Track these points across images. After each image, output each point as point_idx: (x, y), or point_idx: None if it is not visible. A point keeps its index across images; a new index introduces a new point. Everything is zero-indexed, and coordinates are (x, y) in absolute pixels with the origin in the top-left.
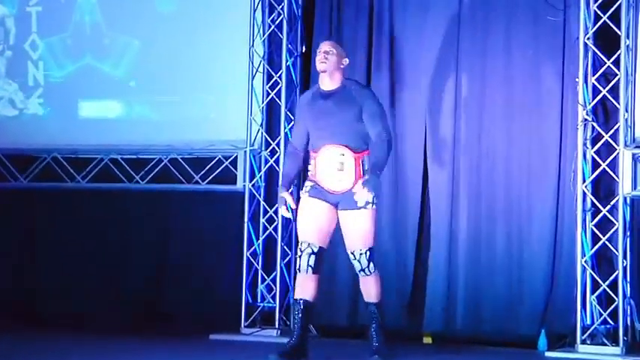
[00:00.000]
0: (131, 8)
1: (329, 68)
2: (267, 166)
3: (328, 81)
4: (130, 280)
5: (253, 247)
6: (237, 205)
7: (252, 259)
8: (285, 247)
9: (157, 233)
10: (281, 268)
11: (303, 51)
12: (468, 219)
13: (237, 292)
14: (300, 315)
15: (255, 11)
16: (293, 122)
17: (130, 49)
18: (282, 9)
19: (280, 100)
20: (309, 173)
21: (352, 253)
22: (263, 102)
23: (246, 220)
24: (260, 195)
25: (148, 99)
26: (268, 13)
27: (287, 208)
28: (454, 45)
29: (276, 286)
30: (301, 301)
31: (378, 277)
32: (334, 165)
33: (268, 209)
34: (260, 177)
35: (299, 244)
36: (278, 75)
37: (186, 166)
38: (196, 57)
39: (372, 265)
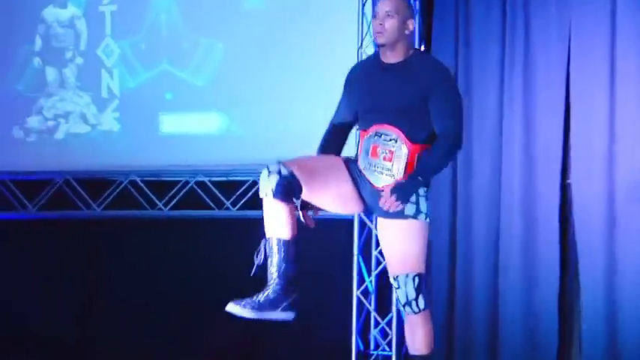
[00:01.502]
0: (213, 6)
1: (389, 39)
2: None
3: (389, 53)
4: (221, 323)
5: (364, 285)
6: (344, 235)
7: (363, 299)
8: None
9: (249, 268)
10: (398, 309)
11: (422, 49)
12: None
13: (345, 338)
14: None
15: (364, 5)
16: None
17: (212, 54)
18: None
19: None
20: (353, 158)
21: (395, 279)
22: None
23: (355, 251)
24: (372, 222)
25: (235, 111)
26: None
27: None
28: (606, 39)
29: (392, 331)
30: (272, 240)
31: (429, 319)
32: (382, 152)
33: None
34: None
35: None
36: None
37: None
38: (292, 61)
39: (421, 299)
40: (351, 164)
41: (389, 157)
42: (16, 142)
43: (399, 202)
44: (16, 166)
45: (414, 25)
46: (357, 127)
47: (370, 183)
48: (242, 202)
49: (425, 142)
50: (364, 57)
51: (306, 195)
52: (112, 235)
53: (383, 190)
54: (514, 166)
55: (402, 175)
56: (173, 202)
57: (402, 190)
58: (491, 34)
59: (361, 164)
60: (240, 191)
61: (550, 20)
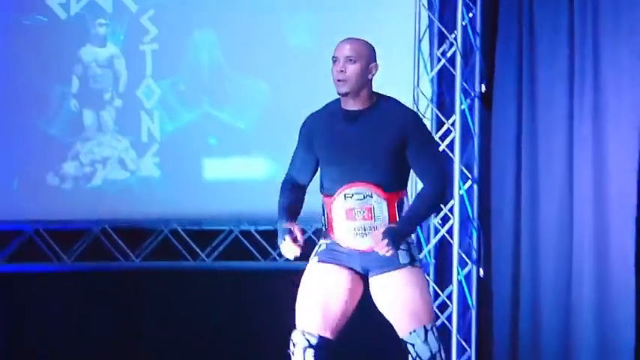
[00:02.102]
0: (256, 44)
1: (352, 87)
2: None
3: (353, 102)
4: None
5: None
6: None
7: None
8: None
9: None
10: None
11: (483, 91)
12: None
13: None
14: None
15: (420, 42)
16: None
17: (257, 95)
18: (455, 38)
19: (453, 154)
20: (322, 230)
21: (410, 334)
22: None
23: None
24: None
25: (283, 155)
26: (437, 44)
27: (294, 240)
28: None
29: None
30: None
31: None
32: (358, 212)
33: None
34: None
35: (292, 333)
36: (450, 122)
37: None
38: None
39: (442, 348)
40: (325, 257)
41: (368, 215)
42: (51, 190)
43: (390, 246)
44: (51, 214)
45: (377, 68)
46: (321, 190)
47: (357, 250)
48: None
49: (401, 188)
50: (420, 97)
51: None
52: (152, 287)
53: (372, 243)
54: (585, 204)
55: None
56: (216, 253)
57: (393, 234)
58: (557, 74)
59: (337, 234)
60: None
61: (621, 63)
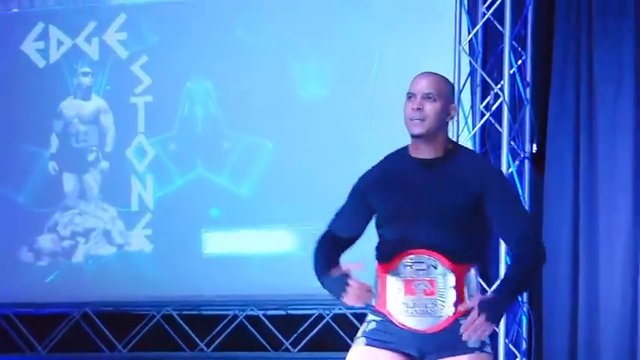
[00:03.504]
0: (261, 94)
1: (429, 128)
2: None
3: (425, 147)
4: None
5: None
6: None
7: None
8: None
9: None
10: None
11: (534, 151)
12: None
13: None
14: None
15: (460, 93)
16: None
17: (259, 155)
18: (501, 89)
19: None
20: (372, 303)
21: None
22: None
23: None
24: None
25: (291, 227)
26: (481, 97)
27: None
28: None
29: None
30: None
31: None
32: (418, 285)
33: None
34: None
35: None
36: None
37: (357, 322)
38: (365, 166)
39: None
40: (375, 338)
41: (430, 290)
42: (24, 267)
43: (487, 325)
44: (23, 297)
45: (456, 110)
46: (376, 257)
47: (413, 329)
48: (304, 341)
49: (472, 260)
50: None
51: None
52: None
53: (449, 329)
54: None
55: (453, 311)
56: (218, 342)
57: (493, 307)
58: (620, 130)
59: (391, 309)
60: (303, 328)
61: None
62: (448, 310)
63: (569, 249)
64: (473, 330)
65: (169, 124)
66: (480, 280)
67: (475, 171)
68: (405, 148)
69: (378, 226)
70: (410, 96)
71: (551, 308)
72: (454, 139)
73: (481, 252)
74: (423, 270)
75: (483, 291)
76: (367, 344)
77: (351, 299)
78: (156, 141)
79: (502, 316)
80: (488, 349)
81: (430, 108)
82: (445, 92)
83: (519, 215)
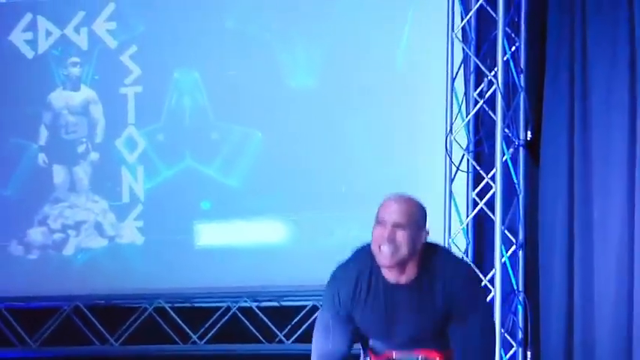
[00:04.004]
0: (250, 84)
1: (399, 259)
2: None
3: (396, 275)
4: None
5: None
6: None
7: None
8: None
9: None
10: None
11: (529, 138)
12: None
13: None
14: None
15: (454, 80)
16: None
17: (248, 145)
18: (495, 76)
19: (493, 214)
20: None
21: None
22: (467, 216)
23: None
24: None
25: (283, 218)
26: (474, 84)
27: None
28: None
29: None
30: None
31: None
32: None
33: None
34: None
35: None
36: (490, 176)
37: None
38: (356, 153)
39: None
40: None
41: None
42: (14, 261)
43: None
44: (13, 290)
45: (428, 234)
46: (363, 348)
47: None
48: (298, 332)
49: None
50: (453, 146)
51: None
52: None
53: None
54: None
55: None
56: (211, 334)
57: None
58: (616, 118)
59: None
60: (297, 320)
61: None
62: None
63: (565, 236)
64: None
65: (158, 115)
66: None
67: (442, 285)
68: (376, 265)
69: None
70: (380, 222)
71: (547, 297)
72: (447, 128)
73: None
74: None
75: None
76: None
77: None
78: (145, 132)
79: None
80: None
81: (401, 236)
82: (416, 219)
83: (470, 329)
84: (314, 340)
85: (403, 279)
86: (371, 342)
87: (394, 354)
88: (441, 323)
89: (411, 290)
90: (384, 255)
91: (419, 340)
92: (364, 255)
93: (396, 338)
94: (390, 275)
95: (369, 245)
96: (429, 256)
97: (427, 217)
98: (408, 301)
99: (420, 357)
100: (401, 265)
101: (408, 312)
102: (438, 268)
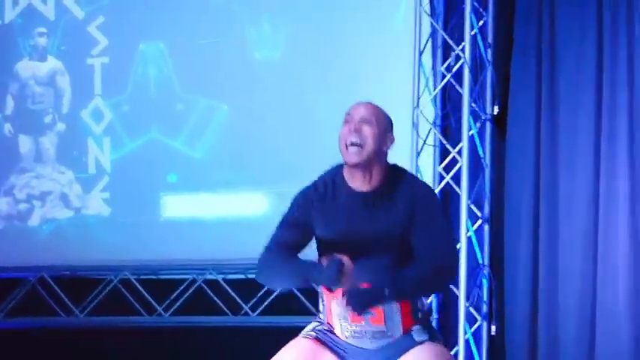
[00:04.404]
0: (215, 56)
1: (367, 155)
2: None
3: (361, 177)
4: None
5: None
6: None
7: None
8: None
9: None
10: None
11: (495, 113)
12: None
13: None
14: None
15: (421, 54)
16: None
17: (215, 118)
18: (462, 50)
19: (460, 188)
20: (319, 317)
21: None
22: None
23: None
24: None
25: (248, 190)
26: (442, 58)
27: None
28: None
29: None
30: None
31: None
32: (365, 314)
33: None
34: None
35: None
36: (457, 150)
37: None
38: (321, 128)
39: None
40: (324, 337)
41: (377, 318)
42: None
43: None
44: None
45: (393, 141)
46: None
47: (361, 348)
48: (264, 305)
49: None
50: (420, 120)
51: None
52: (99, 348)
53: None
54: (613, 246)
55: (401, 332)
56: (176, 306)
57: (357, 296)
58: (584, 92)
59: (339, 332)
60: (262, 292)
61: None
62: (396, 332)
63: (530, 211)
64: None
65: (124, 86)
66: None
67: (406, 199)
68: (341, 175)
69: (319, 254)
70: (347, 120)
71: (512, 271)
72: (414, 102)
73: None
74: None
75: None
76: (305, 337)
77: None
78: (111, 103)
79: (367, 307)
80: (438, 340)
81: (368, 131)
82: (383, 120)
83: (435, 232)
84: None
85: (367, 186)
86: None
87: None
88: (400, 237)
89: (374, 198)
90: (351, 152)
91: (381, 266)
92: (330, 170)
93: (357, 257)
94: (355, 181)
95: (336, 165)
96: (395, 171)
97: (393, 127)
98: (369, 209)
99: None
100: (366, 167)
101: (368, 221)
102: (402, 180)
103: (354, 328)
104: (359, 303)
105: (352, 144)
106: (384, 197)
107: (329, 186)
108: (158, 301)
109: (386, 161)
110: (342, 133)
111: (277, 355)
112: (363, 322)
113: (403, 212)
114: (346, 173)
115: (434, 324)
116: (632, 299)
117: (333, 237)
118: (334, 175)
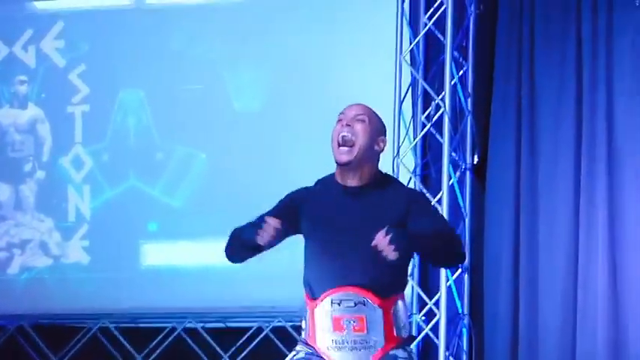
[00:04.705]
0: (196, 106)
1: (358, 153)
2: None
3: (352, 175)
4: None
5: None
6: None
7: None
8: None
9: None
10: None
11: (475, 162)
12: None
13: None
14: None
15: (401, 103)
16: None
17: (193, 167)
18: (442, 99)
19: None
20: (302, 334)
21: None
22: None
23: None
24: None
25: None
26: (422, 107)
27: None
28: None
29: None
30: None
31: None
32: (346, 322)
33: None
34: None
35: None
36: (437, 199)
37: (296, 334)
38: (299, 179)
39: None
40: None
41: (359, 326)
42: None
43: (392, 247)
44: None
45: (386, 144)
46: (305, 288)
47: None
48: (243, 354)
49: (400, 290)
50: (400, 169)
51: None
52: None
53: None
54: (592, 298)
55: (382, 344)
56: (155, 355)
57: (399, 234)
58: (563, 142)
59: (321, 346)
60: (243, 340)
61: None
62: (378, 344)
63: (510, 260)
64: (378, 241)
65: (103, 134)
66: (420, 292)
67: (398, 199)
68: (332, 176)
69: (305, 259)
70: (340, 118)
71: (492, 321)
72: (394, 151)
73: (406, 278)
74: (352, 307)
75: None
76: None
77: (266, 234)
78: (91, 151)
79: (405, 249)
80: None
81: (360, 128)
82: (376, 121)
83: (437, 218)
84: None
85: (357, 181)
86: (311, 277)
87: (333, 294)
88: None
89: (365, 191)
90: (342, 151)
91: (367, 267)
92: (322, 178)
93: (343, 254)
94: (346, 179)
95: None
96: (385, 175)
97: (386, 131)
98: (360, 201)
99: (361, 298)
100: (357, 167)
101: (361, 219)
102: (393, 182)
103: (335, 337)
104: (398, 240)
105: (344, 139)
106: (375, 192)
107: (319, 184)
108: (138, 349)
109: (377, 164)
110: (335, 131)
111: None
112: (344, 332)
113: (395, 206)
114: (337, 174)
115: None
116: (629, 345)
117: (321, 229)
118: (325, 178)
